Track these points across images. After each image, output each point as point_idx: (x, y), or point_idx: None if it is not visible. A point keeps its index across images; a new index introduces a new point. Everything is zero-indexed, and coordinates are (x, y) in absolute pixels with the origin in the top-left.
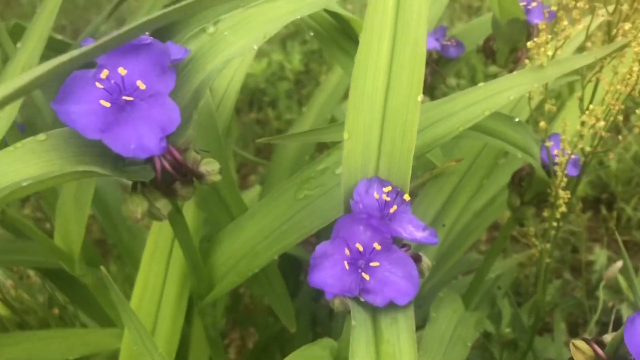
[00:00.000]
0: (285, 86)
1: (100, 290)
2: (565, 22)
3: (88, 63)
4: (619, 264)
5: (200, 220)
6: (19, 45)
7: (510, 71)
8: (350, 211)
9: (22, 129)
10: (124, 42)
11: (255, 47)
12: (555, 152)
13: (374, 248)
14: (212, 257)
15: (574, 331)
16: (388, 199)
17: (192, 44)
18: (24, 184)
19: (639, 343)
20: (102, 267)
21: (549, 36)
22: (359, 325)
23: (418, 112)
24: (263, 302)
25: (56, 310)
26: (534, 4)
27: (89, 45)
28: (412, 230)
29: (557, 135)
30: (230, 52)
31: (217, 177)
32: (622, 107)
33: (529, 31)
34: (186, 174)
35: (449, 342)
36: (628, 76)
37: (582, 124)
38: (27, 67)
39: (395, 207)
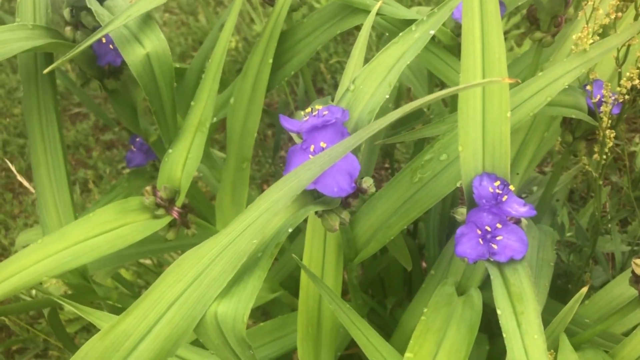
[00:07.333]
0: None
1: None
2: None
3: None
4: None
5: None
6: (192, 103)
7: (553, 36)
8: (471, 198)
9: None
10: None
11: (387, 96)
12: (599, 97)
13: (496, 226)
14: (355, 231)
15: (625, 222)
16: (500, 191)
17: (344, 102)
18: (290, 230)
19: None
20: None
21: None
22: (494, 277)
23: (509, 123)
24: None
25: None
26: None
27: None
28: (517, 208)
29: (599, 81)
30: (366, 100)
31: (373, 189)
32: None
33: (567, 0)
34: (357, 194)
35: (537, 267)
36: None
37: (619, 75)
38: (202, 121)
39: (505, 197)
